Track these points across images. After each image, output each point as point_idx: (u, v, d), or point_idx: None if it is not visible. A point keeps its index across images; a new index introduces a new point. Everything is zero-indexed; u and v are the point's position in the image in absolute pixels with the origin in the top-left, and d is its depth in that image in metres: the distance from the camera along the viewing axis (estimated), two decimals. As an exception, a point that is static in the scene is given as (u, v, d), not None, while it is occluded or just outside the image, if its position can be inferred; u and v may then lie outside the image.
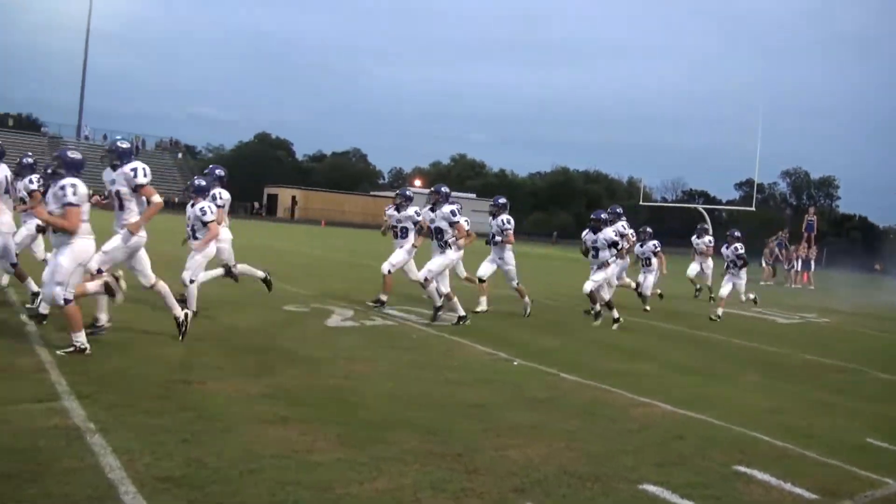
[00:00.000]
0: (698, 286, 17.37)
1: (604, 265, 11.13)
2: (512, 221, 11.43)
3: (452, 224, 10.15)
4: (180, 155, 71.66)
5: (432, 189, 10.62)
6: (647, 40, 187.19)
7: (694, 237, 17.70)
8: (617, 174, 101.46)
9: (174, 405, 5.25)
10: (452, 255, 10.37)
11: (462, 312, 10.21)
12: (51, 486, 3.69)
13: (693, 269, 17.20)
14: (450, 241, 10.19)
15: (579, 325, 11.62)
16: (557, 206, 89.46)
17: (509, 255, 11.49)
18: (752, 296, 15.12)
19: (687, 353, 9.76)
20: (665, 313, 13.93)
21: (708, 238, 17.29)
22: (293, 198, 73.29)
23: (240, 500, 3.73)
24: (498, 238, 11.34)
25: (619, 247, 11.42)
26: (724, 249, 14.40)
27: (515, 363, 7.91)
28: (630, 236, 13.64)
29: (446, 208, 10.20)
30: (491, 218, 11.54)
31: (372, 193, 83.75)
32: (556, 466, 4.60)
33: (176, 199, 46.86)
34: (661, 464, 4.85)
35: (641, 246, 14.41)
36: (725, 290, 13.80)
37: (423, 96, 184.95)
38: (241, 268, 9.93)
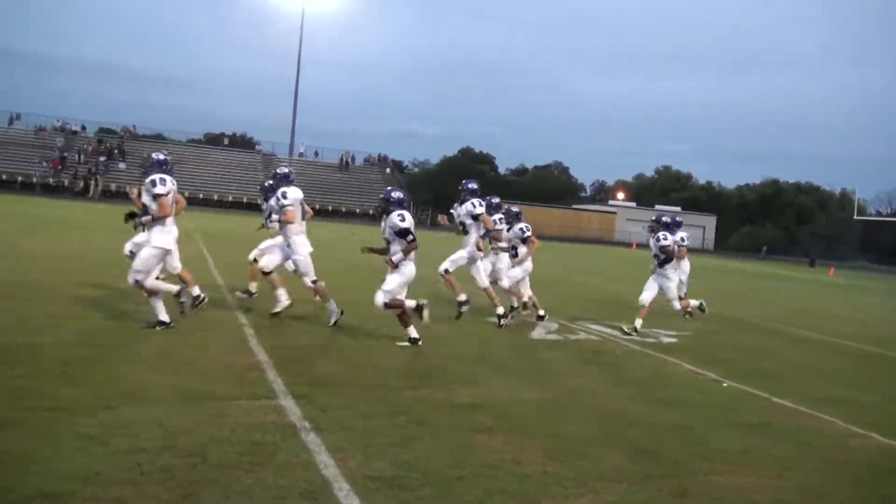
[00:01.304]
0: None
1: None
2: (288, 197, 8.88)
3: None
4: (388, 170, 74.47)
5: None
6: (859, 46, 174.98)
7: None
8: (829, 186, 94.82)
9: (386, 409, 5.48)
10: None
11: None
12: (267, 478, 3.94)
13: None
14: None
15: (788, 347, 10.99)
16: (767, 220, 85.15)
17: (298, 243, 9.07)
18: (694, 303, 11.86)
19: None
20: (870, 337, 12.89)
21: (682, 235, 12.37)
22: (495, 211, 74.17)
23: (449, 505, 3.83)
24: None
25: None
26: (651, 241, 11.00)
27: (725, 384, 7.61)
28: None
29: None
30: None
31: (574, 207, 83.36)
32: (768, 495, 4.40)
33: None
34: (878, 501, 4.56)
35: (508, 230, 10.95)
36: (648, 295, 10.52)
37: (625, 109, 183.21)
38: None
